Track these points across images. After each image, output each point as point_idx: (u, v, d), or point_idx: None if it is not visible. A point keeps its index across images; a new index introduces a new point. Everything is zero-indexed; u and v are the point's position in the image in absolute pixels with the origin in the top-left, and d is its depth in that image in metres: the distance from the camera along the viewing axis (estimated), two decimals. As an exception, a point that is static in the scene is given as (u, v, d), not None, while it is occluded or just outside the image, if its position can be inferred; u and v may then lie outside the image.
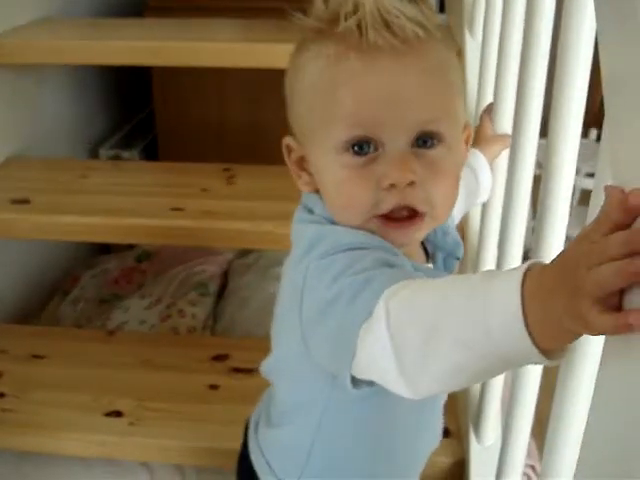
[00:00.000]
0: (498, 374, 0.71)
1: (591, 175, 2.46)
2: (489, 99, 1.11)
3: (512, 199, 0.92)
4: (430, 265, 0.80)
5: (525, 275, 0.49)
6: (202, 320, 1.66)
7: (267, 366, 0.87)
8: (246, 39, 1.52)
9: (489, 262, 1.09)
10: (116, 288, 1.79)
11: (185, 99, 2.07)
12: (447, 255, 0.82)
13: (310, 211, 0.76)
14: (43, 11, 1.74)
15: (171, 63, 1.55)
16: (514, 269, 0.50)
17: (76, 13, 1.91)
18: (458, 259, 0.83)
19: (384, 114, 0.67)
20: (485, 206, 1.09)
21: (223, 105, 2.05)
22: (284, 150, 0.78)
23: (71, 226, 1.35)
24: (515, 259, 0.95)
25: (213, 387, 1.33)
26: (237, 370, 1.37)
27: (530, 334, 0.48)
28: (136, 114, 2.30)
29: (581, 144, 0.76)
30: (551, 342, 0.48)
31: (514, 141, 0.90)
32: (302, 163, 0.77)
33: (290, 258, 0.77)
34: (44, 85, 1.81)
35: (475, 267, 1.16)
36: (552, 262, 0.48)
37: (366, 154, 0.69)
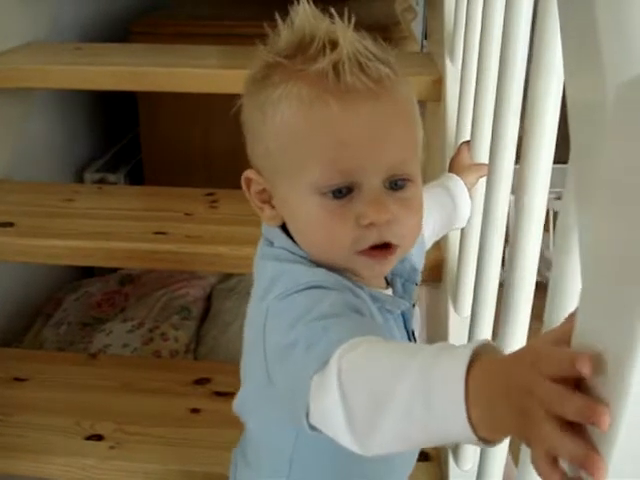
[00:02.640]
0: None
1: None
2: (468, 125, 1.13)
3: (489, 224, 0.94)
4: (389, 291, 0.81)
5: (473, 361, 0.49)
6: (185, 344, 1.66)
7: (238, 403, 0.87)
8: (230, 65, 1.54)
9: (468, 287, 1.11)
10: (99, 311, 1.79)
11: (170, 123, 2.08)
12: (405, 281, 0.83)
13: (270, 243, 0.77)
14: (29, 36, 1.75)
15: (155, 89, 1.56)
16: (463, 350, 0.50)
17: (62, 38, 1.93)
18: (416, 284, 0.85)
19: (363, 158, 0.69)
20: (463, 232, 1.10)
21: (208, 129, 2.06)
22: (243, 183, 0.78)
23: (55, 249, 1.35)
24: (492, 285, 0.96)
25: (194, 411, 1.33)
26: (219, 394, 1.37)
27: (471, 424, 0.48)
28: (122, 137, 2.31)
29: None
30: (491, 435, 0.49)
31: (491, 167, 0.92)
32: (263, 195, 0.77)
33: (253, 294, 0.78)
34: (29, 108, 1.82)
35: (454, 292, 1.17)
36: (502, 361, 0.48)
37: (344, 196, 0.70)
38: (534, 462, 0.44)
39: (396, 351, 0.58)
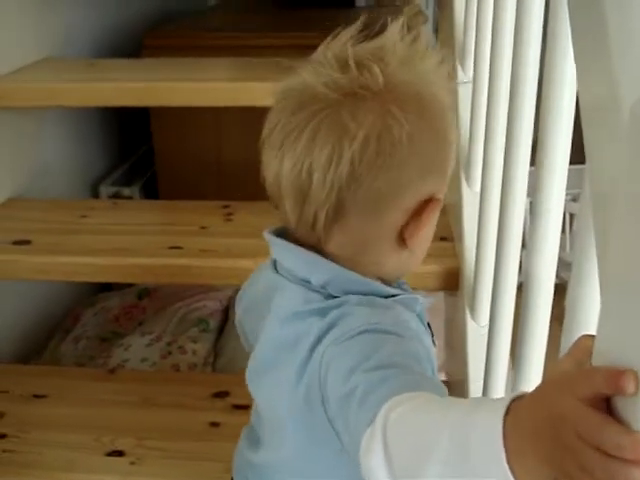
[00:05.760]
0: None
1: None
2: (481, 130, 1.12)
3: (505, 228, 0.93)
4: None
5: (507, 415, 0.46)
6: (203, 357, 1.66)
7: (274, 464, 0.84)
8: (243, 78, 1.54)
9: (485, 295, 1.10)
10: (117, 326, 1.80)
11: (184, 136, 2.08)
12: (402, 282, 0.83)
13: (308, 282, 0.75)
14: (42, 52, 1.76)
15: (168, 104, 1.56)
16: (498, 406, 0.47)
17: (75, 52, 1.94)
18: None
19: None
20: (479, 238, 1.09)
21: (221, 142, 2.07)
22: (426, 214, 0.73)
23: (72, 266, 1.36)
24: (510, 292, 0.95)
25: (214, 424, 1.33)
26: (238, 407, 1.37)
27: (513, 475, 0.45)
28: (136, 151, 2.32)
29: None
30: None
31: (506, 170, 0.91)
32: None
33: (286, 357, 0.74)
34: (44, 124, 1.83)
35: (472, 300, 1.16)
36: (527, 403, 0.46)
37: None
38: None
39: (438, 409, 0.55)
